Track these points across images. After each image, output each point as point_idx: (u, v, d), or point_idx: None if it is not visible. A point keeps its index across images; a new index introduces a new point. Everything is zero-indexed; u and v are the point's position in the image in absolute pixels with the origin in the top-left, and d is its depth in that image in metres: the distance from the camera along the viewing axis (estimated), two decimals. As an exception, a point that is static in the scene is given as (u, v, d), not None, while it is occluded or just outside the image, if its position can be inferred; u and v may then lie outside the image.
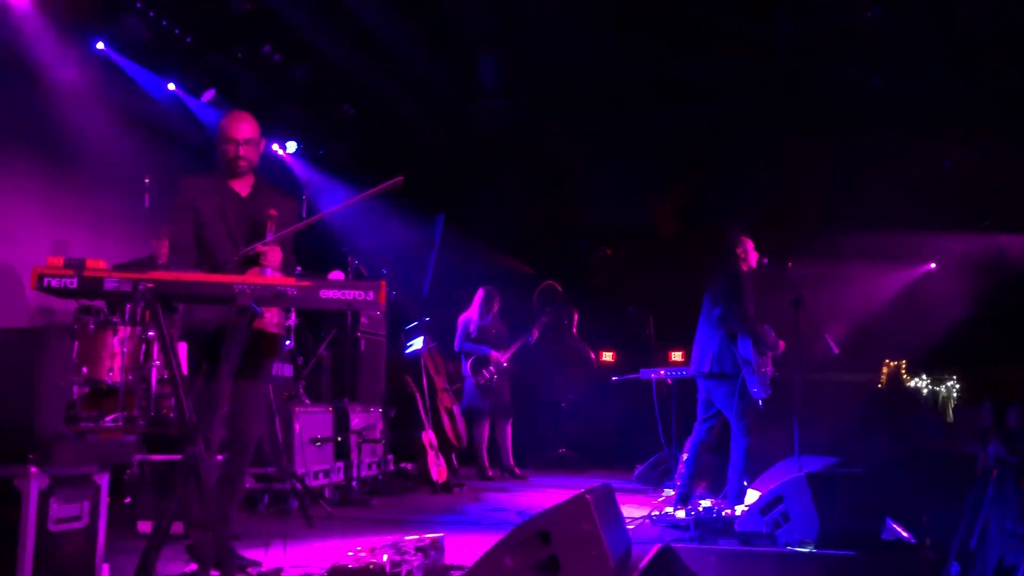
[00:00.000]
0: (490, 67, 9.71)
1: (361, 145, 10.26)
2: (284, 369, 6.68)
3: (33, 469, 3.12)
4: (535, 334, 9.04)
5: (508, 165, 11.03)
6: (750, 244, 6.10)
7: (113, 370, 6.32)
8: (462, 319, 8.91)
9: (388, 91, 9.64)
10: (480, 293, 8.95)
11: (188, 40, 7.54)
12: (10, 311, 7.04)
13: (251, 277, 3.47)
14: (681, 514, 5.67)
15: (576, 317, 9.82)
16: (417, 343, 8.82)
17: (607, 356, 11.60)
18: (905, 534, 5.14)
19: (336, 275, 6.97)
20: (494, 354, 8.75)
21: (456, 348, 8.90)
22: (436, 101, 10.09)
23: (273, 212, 3.76)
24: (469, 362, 8.76)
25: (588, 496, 3.33)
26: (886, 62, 8.74)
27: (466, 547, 4.62)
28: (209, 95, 8.09)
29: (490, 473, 8.67)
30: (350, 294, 3.38)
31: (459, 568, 4.08)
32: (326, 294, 3.37)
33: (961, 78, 8.72)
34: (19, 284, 7.14)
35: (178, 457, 4.56)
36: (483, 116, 10.40)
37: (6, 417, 3.11)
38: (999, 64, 8.48)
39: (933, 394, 11.17)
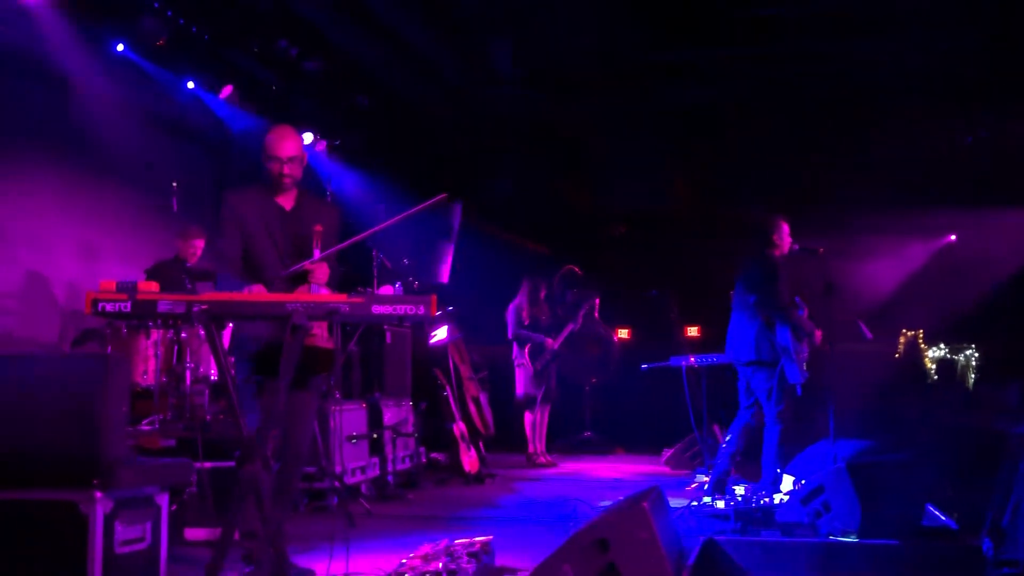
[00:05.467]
0: (503, 52, 9.65)
1: (376, 135, 10.23)
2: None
3: (98, 494, 3.16)
4: (580, 320, 9.24)
5: (524, 150, 10.98)
6: (786, 229, 6.05)
7: (147, 373, 6.37)
8: (512, 307, 9.13)
9: (402, 80, 9.60)
10: (526, 283, 9.17)
11: (205, 38, 7.51)
12: (42, 314, 7.08)
13: (302, 295, 3.49)
14: (720, 504, 5.71)
15: (597, 301, 9.84)
16: (441, 333, 8.83)
17: (623, 333, 11.65)
18: (945, 519, 5.17)
19: (386, 290, 6.97)
20: (548, 340, 8.96)
21: (510, 336, 9.12)
22: (450, 88, 10.03)
23: (319, 228, 3.77)
24: (526, 349, 8.96)
25: (645, 504, 3.36)
26: (906, 36, 8.66)
27: (513, 547, 4.66)
28: (227, 92, 8.07)
29: (542, 460, 8.79)
30: (401, 308, 3.39)
31: (512, 572, 4.12)
32: (378, 309, 3.38)
33: (981, 51, 8.65)
34: (49, 288, 7.16)
35: (230, 464, 4.60)
36: (497, 101, 10.34)
37: (72, 443, 3.14)
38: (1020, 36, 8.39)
39: (951, 363, 11.20)
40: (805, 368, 5.80)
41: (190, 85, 7.83)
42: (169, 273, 6.43)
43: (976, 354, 11.05)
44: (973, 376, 11.07)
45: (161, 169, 7.45)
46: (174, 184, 6.72)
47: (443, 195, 3.68)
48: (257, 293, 3.56)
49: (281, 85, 8.52)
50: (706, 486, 6.17)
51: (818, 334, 5.89)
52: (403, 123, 10.35)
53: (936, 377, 10.98)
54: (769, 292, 5.85)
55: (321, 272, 3.74)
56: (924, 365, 11.09)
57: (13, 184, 6.77)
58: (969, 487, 5.21)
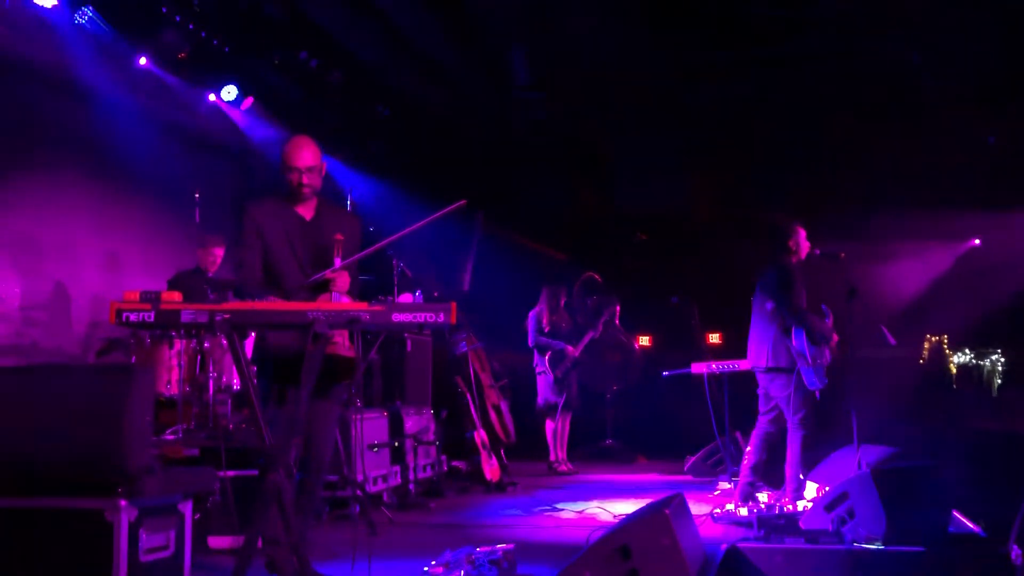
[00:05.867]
0: (521, 59, 9.68)
1: (396, 144, 10.28)
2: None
3: (123, 502, 3.19)
4: (600, 328, 9.23)
5: (542, 157, 11.00)
6: (803, 234, 6.03)
7: (171, 383, 6.42)
8: (532, 315, 9.12)
9: (420, 89, 9.66)
10: (546, 290, 9.16)
11: (226, 50, 7.58)
12: (67, 325, 7.15)
13: (324, 303, 3.51)
14: (743, 511, 5.67)
15: (618, 308, 9.82)
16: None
17: (644, 340, 11.60)
18: (972, 526, 5.10)
19: (405, 297, 7.00)
20: (569, 348, 8.96)
21: (530, 343, 9.10)
22: (468, 96, 10.08)
23: (339, 237, 3.79)
24: (547, 357, 8.96)
25: (667, 511, 3.35)
26: (928, 38, 8.61)
27: (535, 555, 4.65)
28: (248, 103, 8.14)
29: (563, 468, 8.80)
30: (422, 316, 3.41)
31: (534, 579, 4.11)
32: (398, 317, 3.40)
33: (1006, 52, 8.58)
34: (74, 299, 7.23)
35: (252, 472, 4.63)
36: (516, 109, 10.38)
37: (97, 452, 3.17)
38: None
39: (977, 368, 11.09)
40: (825, 374, 5.76)
41: (211, 97, 7.90)
42: (190, 283, 6.47)
43: (1002, 359, 10.95)
44: (998, 381, 10.96)
45: (183, 180, 7.52)
46: (196, 195, 6.76)
47: (463, 201, 3.69)
48: (279, 302, 3.58)
49: (301, 95, 8.59)
50: (732, 502, 6.10)
51: (835, 337, 5.85)
52: (422, 132, 10.41)
53: (961, 382, 10.88)
54: (785, 298, 5.82)
55: (342, 281, 3.76)
56: (949, 370, 11.00)
57: (39, 196, 6.86)
58: (996, 493, 5.13)
